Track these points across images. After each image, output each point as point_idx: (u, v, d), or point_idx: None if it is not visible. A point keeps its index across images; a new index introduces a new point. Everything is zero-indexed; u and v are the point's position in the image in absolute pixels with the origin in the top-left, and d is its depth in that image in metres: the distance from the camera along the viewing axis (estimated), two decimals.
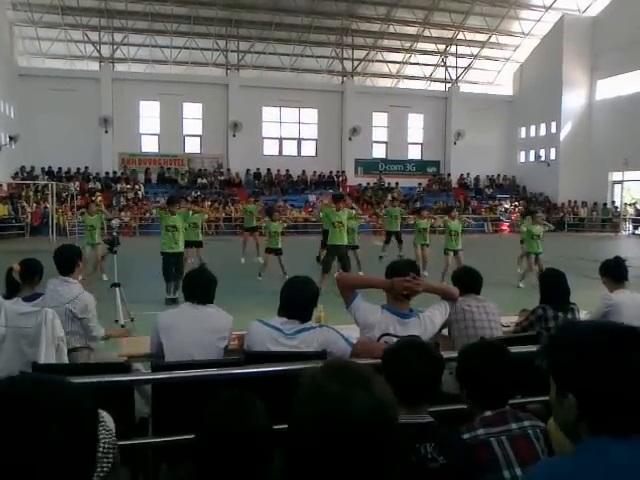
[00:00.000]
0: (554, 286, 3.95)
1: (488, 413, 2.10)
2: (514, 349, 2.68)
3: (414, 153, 33.36)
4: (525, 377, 2.26)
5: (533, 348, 3.19)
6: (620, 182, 29.35)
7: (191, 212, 11.00)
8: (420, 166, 32.95)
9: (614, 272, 4.42)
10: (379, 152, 32.71)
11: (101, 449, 1.77)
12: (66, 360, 3.74)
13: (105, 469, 1.72)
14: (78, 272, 4.34)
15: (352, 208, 11.95)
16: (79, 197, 23.92)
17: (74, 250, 4.45)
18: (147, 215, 24.36)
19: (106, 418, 2.02)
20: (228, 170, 29.52)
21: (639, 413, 1.17)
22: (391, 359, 2.16)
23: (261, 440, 1.55)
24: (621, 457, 1.13)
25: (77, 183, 26.16)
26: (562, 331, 1.43)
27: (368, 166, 31.87)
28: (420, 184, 31.32)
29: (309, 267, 11.54)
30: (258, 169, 30.00)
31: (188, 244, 11.13)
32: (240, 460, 1.51)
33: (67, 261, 4.26)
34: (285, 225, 13.54)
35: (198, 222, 12.09)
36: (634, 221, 27.95)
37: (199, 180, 28.55)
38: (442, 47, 32.49)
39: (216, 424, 1.56)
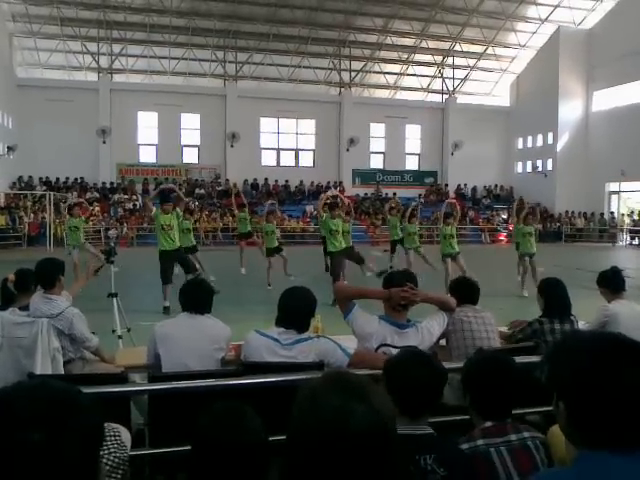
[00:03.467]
0: (552, 296, 3.92)
1: (488, 424, 2.10)
2: None
3: (411, 164, 33.48)
4: (523, 388, 2.25)
5: (530, 359, 3.18)
6: (617, 192, 29.47)
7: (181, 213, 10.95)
8: (417, 176, 33.06)
9: (611, 283, 4.41)
10: (376, 163, 32.83)
11: (111, 463, 1.76)
12: (62, 370, 3.72)
13: None
14: (60, 288, 4.20)
15: (347, 214, 12.00)
16: (77, 207, 23.86)
17: (56, 264, 4.27)
18: (145, 225, 24.34)
19: (122, 433, 2.00)
20: (226, 180, 29.55)
21: (632, 428, 1.16)
22: (394, 370, 2.14)
23: (256, 451, 1.53)
24: (622, 471, 1.13)
25: (75, 193, 26.14)
26: (563, 341, 1.42)
27: (366, 176, 31.96)
28: (420, 195, 31.44)
29: (311, 277, 11.56)
30: (256, 179, 30.07)
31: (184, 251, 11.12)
32: (235, 472, 1.49)
33: (48, 276, 4.14)
34: (276, 224, 13.64)
35: (190, 227, 12.16)
36: (631, 232, 28.02)
37: (197, 190, 28.56)
38: (439, 58, 32.69)
39: (209, 436, 1.55)
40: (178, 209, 10.64)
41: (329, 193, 13.38)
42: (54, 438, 0.93)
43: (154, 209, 10.21)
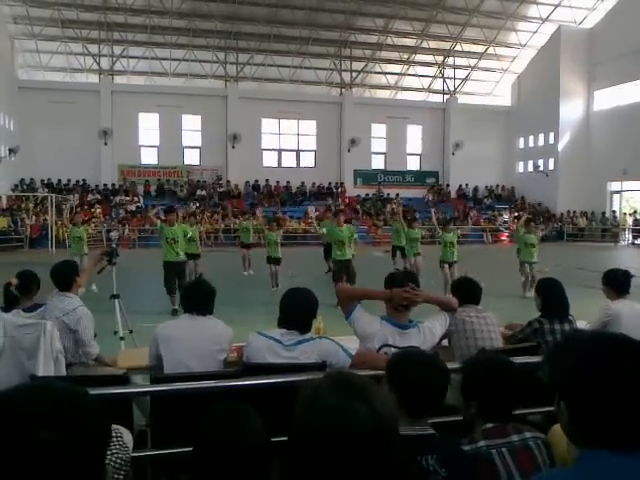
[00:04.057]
0: (550, 296, 3.91)
1: (490, 425, 2.09)
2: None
3: (413, 164, 33.48)
4: (524, 388, 2.24)
5: (532, 359, 3.18)
6: (619, 192, 29.43)
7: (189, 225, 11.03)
8: (419, 177, 33.06)
9: (619, 284, 4.37)
10: (378, 163, 32.84)
11: (113, 464, 1.76)
12: (64, 372, 3.72)
13: None
14: (76, 288, 4.33)
15: (349, 221, 11.89)
16: (78, 209, 23.90)
17: (71, 266, 4.44)
18: (147, 227, 24.32)
19: (124, 434, 2.00)
20: (228, 182, 29.57)
21: (633, 428, 1.16)
22: (398, 370, 2.12)
23: (258, 451, 1.53)
24: (623, 470, 1.13)
25: (76, 195, 26.17)
26: (564, 341, 1.43)
27: (367, 177, 31.96)
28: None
29: (312, 278, 11.56)
30: (257, 180, 30.07)
31: (187, 257, 11.15)
32: (237, 472, 1.50)
33: (65, 278, 4.27)
34: (281, 232, 13.53)
35: (194, 235, 12.16)
36: (633, 231, 27.95)
37: (198, 192, 28.57)
38: (440, 58, 32.68)
39: (211, 437, 1.55)
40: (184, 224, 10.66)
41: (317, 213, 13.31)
42: (62, 436, 0.94)
43: (158, 222, 10.19)
